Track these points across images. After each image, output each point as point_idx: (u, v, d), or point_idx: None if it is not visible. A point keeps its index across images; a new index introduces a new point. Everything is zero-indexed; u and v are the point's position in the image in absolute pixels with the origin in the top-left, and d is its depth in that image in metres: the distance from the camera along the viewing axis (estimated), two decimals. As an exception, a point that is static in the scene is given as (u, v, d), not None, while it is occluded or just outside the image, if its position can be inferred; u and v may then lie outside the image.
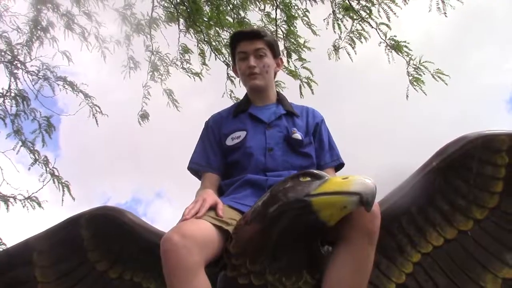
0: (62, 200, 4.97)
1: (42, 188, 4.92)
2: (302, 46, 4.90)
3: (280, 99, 2.03)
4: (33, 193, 4.90)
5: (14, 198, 4.88)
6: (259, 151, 1.82)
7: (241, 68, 1.97)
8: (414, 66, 4.38)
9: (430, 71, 4.28)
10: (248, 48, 1.95)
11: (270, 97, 2.01)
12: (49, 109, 5.20)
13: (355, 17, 4.54)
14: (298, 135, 1.87)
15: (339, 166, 1.96)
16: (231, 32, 5.02)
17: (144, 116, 5.35)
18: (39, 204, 4.94)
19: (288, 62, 4.89)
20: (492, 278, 1.59)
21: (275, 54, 2.02)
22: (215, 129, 1.96)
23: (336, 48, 4.60)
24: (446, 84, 4.17)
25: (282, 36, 4.93)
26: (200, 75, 5.38)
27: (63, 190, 4.98)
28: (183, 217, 1.49)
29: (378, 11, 4.38)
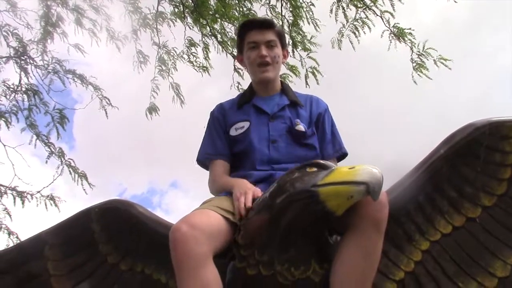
0: (84, 190, 5.07)
1: (56, 178, 5.01)
2: (308, 41, 4.89)
3: (284, 89, 2.01)
4: (49, 183, 4.99)
5: (31, 195, 4.96)
6: (262, 143, 1.82)
7: (251, 57, 1.94)
8: (418, 53, 4.36)
9: (433, 57, 4.26)
10: (259, 37, 1.92)
11: (274, 88, 2.00)
12: (59, 104, 5.24)
13: (359, 5, 4.51)
14: (301, 127, 1.86)
15: (342, 156, 1.95)
16: (237, 26, 5.01)
17: (152, 109, 5.36)
18: (55, 203, 5.02)
19: (293, 52, 4.89)
20: (501, 264, 1.59)
21: (283, 45, 2.01)
22: (221, 118, 1.96)
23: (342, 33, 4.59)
24: (449, 68, 4.17)
25: (287, 28, 4.92)
26: (207, 69, 5.39)
27: (81, 181, 5.07)
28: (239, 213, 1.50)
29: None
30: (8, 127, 5.08)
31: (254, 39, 1.93)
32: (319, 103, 2.00)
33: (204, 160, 1.95)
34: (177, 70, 5.40)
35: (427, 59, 4.35)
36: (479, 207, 1.62)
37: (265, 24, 1.97)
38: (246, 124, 1.88)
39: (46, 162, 5.09)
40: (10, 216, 4.94)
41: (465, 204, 1.63)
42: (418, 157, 1.66)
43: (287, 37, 4.80)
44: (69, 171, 5.07)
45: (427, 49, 4.33)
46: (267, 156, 1.80)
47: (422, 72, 4.37)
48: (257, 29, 1.94)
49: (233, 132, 1.89)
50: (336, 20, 4.56)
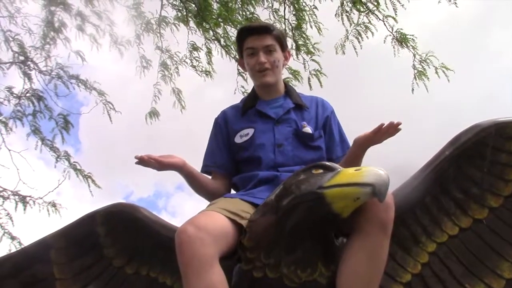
0: (90, 192, 5.10)
1: (62, 182, 5.04)
2: (311, 46, 4.89)
3: (288, 91, 2.00)
4: (54, 188, 5.02)
5: (34, 201, 4.98)
6: (268, 148, 1.82)
7: (250, 64, 1.93)
8: (420, 59, 4.37)
9: (435, 66, 4.29)
10: (257, 44, 1.91)
11: (278, 90, 1.98)
12: (63, 108, 5.27)
13: (362, 9, 4.52)
14: (308, 129, 1.85)
15: None
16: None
17: (152, 113, 5.36)
18: (56, 209, 5.04)
19: (297, 55, 4.89)
20: (508, 266, 1.59)
21: (283, 47, 1.99)
22: (223, 126, 1.96)
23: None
24: (448, 80, 4.20)
25: (290, 32, 4.92)
26: (210, 74, 5.40)
27: (88, 182, 5.10)
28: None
29: (385, 3, 4.37)
30: (9, 132, 5.11)
31: (252, 45, 1.92)
32: (325, 105, 1.99)
33: (204, 172, 1.96)
34: (179, 75, 5.43)
35: (429, 67, 4.37)
36: (486, 208, 1.62)
37: (262, 30, 1.94)
38: (250, 131, 1.87)
39: (55, 166, 5.15)
40: (12, 221, 4.95)
41: (472, 205, 1.62)
42: (424, 159, 1.65)
43: (290, 40, 4.83)
44: (76, 173, 5.10)
45: (429, 56, 4.35)
46: (273, 161, 1.80)
47: (422, 80, 4.40)
48: (255, 35, 1.92)
49: (238, 139, 1.89)
50: (343, 23, 4.58)
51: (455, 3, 4.13)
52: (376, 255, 1.38)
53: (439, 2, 4.16)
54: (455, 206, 1.63)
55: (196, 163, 1.94)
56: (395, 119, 1.66)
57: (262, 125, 1.88)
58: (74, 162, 5.15)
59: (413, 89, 4.47)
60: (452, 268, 1.60)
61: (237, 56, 5.12)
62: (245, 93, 5.04)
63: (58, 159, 5.10)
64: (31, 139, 5.18)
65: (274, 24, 4.48)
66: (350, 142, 1.93)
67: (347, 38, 4.63)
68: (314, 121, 1.91)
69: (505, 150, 1.62)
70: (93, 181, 5.11)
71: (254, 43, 1.92)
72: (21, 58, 5.07)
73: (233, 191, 1.90)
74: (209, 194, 1.86)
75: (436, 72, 4.28)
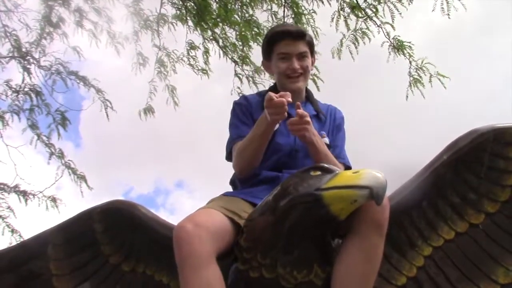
0: (81, 192, 5.10)
1: (57, 180, 5.02)
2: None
3: (309, 96, 1.98)
4: (51, 185, 5.02)
5: (34, 195, 4.96)
6: (286, 150, 1.80)
7: (281, 68, 1.89)
8: (416, 66, 4.38)
9: (431, 73, 4.30)
10: (291, 49, 1.87)
11: (301, 96, 1.94)
12: (61, 104, 5.25)
13: (360, 15, 4.52)
14: (327, 140, 1.83)
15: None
16: (238, 31, 5.04)
17: (147, 110, 5.35)
18: (55, 204, 5.02)
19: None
20: (503, 271, 1.59)
21: (313, 53, 1.97)
22: (247, 105, 1.91)
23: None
24: (445, 87, 4.20)
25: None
26: (207, 73, 5.40)
27: (80, 182, 5.09)
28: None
29: (383, 10, 4.38)
30: (5, 127, 5.09)
31: (286, 51, 1.88)
32: (337, 114, 1.98)
33: (233, 146, 1.86)
34: (176, 73, 5.43)
35: (425, 74, 4.38)
36: (483, 214, 1.63)
37: (298, 35, 1.90)
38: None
39: (48, 163, 5.12)
40: (13, 213, 4.94)
41: (469, 210, 1.64)
42: (422, 161, 1.66)
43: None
44: (69, 172, 5.08)
45: (425, 63, 4.37)
46: (284, 164, 1.77)
47: (417, 87, 4.41)
48: (289, 39, 1.88)
49: None
50: (336, 29, 4.57)
51: (448, 15, 4.13)
52: (372, 256, 1.39)
53: (432, 10, 4.18)
54: (452, 211, 1.64)
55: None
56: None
57: (285, 125, 1.79)
58: (68, 160, 5.14)
59: (407, 96, 4.48)
60: (448, 272, 1.61)
61: (234, 58, 5.19)
62: (240, 94, 5.04)
63: (52, 157, 5.08)
64: (29, 134, 5.17)
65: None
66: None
67: (342, 44, 4.63)
68: (330, 131, 1.90)
69: (503, 156, 1.63)
70: (85, 181, 5.10)
71: (288, 48, 1.88)
72: (21, 52, 5.04)
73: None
74: (254, 156, 1.77)
75: (430, 81, 4.29)
